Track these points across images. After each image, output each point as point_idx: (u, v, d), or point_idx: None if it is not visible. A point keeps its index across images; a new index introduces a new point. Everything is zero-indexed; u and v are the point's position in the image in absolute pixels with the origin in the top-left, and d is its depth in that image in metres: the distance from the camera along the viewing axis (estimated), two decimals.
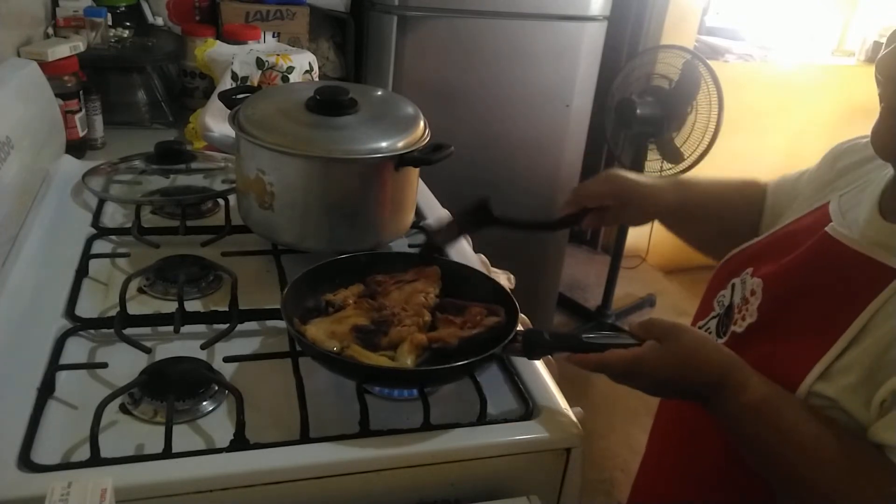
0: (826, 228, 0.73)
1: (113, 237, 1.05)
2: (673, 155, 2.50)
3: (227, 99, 1.06)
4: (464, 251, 1.11)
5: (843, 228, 0.72)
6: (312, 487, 0.67)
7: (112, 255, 1.00)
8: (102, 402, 0.67)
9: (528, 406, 0.78)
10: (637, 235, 2.95)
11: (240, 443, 0.68)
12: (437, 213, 1.22)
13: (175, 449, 0.65)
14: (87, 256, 0.97)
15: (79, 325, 0.83)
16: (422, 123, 1.01)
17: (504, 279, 1.17)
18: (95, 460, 0.64)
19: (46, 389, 0.72)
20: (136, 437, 0.68)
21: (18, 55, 1.27)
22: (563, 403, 0.79)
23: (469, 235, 1.05)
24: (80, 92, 1.34)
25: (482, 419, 0.74)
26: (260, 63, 1.44)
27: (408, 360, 0.74)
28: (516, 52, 2.08)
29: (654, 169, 2.59)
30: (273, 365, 0.80)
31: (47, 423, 0.69)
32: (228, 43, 1.55)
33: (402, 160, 0.95)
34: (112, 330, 0.81)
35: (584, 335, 0.74)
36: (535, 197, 2.29)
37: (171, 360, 0.78)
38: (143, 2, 1.71)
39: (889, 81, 0.64)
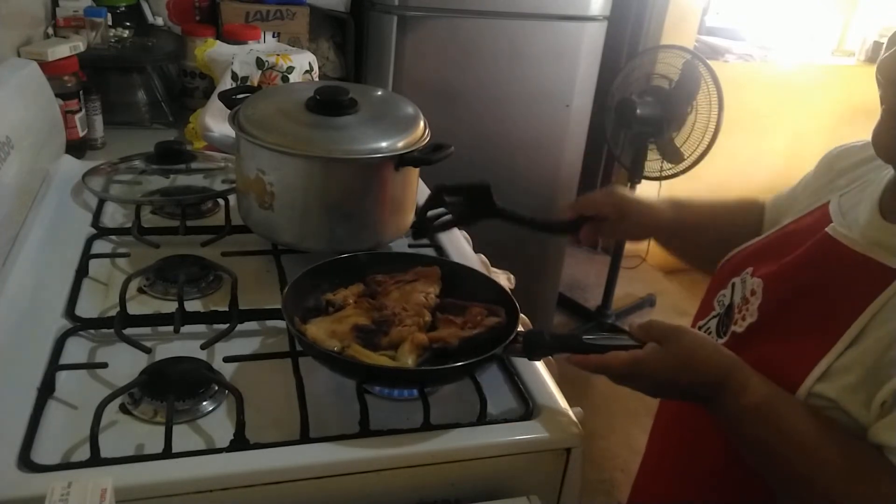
0: (827, 229, 0.73)
1: (113, 237, 1.05)
2: (673, 155, 2.50)
3: (227, 99, 1.06)
4: (464, 251, 1.11)
5: (844, 229, 0.72)
6: (312, 487, 0.67)
7: (112, 255, 1.00)
8: (102, 402, 0.67)
9: (528, 406, 0.78)
10: None
11: (240, 443, 0.68)
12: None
13: (175, 449, 0.65)
14: (87, 256, 0.97)
15: (79, 325, 0.83)
16: (422, 123, 1.01)
17: (504, 279, 1.17)
18: (95, 460, 0.64)
19: (46, 389, 0.72)
20: (136, 437, 0.68)
21: (18, 55, 1.27)
22: (563, 403, 0.79)
23: (468, 225, 1.05)
24: (80, 92, 1.34)
25: (482, 419, 0.74)
26: (260, 63, 1.44)
27: (409, 360, 0.74)
28: (516, 52, 2.08)
29: (654, 169, 2.59)
30: (273, 365, 0.80)
31: (47, 423, 0.69)
32: (228, 43, 1.55)
33: (402, 160, 0.95)
34: (112, 330, 0.81)
35: (584, 336, 0.75)
36: (535, 197, 2.29)
37: (171, 360, 0.78)
38: (143, 2, 1.71)
39: (890, 84, 0.64)
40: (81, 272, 0.94)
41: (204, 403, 0.73)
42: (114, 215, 1.12)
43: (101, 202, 1.13)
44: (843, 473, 0.62)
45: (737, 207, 0.97)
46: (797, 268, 0.74)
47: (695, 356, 0.69)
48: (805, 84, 3.39)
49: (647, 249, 3.21)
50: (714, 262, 0.90)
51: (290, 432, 0.70)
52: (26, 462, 0.63)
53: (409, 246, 1.10)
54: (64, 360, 0.77)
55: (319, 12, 1.92)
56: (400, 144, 0.95)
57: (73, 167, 1.24)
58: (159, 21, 1.75)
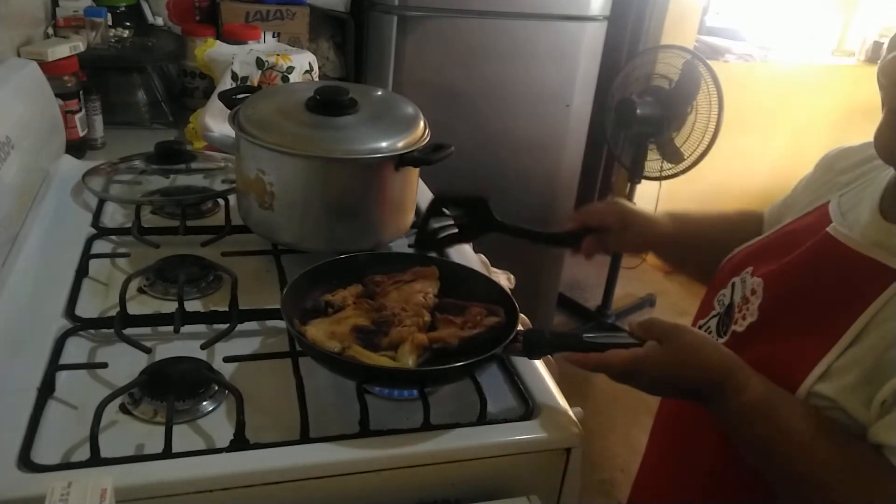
0: (827, 229, 0.73)
1: (113, 237, 1.05)
2: (673, 155, 2.50)
3: (227, 99, 1.06)
4: (464, 251, 1.11)
5: (844, 228, 0.72)
6: (312, 487, 0.67)
7: (112, 255, 1.00)
8: (102, 402, 0.67)
9: (528, 406, 0.78)
10: None
11: (240, 443, 0.68)
12: None
13: (175, 449, 0.65)
14: (87, 256, 0.97)
15: (79, 325, 0.83)
16: (422, 123, 1.01)
17: (504, 279, 1.17)
18: (95, 460, 0.64)
19: (46, 389, 0.72)
20: (136, 437, 0.68)
21: (18, 55, 1.27)
22: (563, 403, 0.79)
23: (470, 240, 1.05)
24: (80, 92, 1.34)
25: (482, 419, 0.74)
26: (260, 63, 1.44)
27: (409, 361, 0.74)
28: (516, 52, 2.08)
29: (654, 169, 2.59)
30: (273, 365, 0.80)
31: (47, 423, 0.69)
32: (228, 43, 1.55)
33: (402, 160, 0.95)
34: (112, 330, 0.81)
35: (584, 335, 0.75)
36: (535, 197, 2.29)
37: (171, 360, 0.78)
38: (143, 2, 1.71)
39: (892, 86, 0.64)
40: (81, 272, 0.94)
41: (204, 403, 0.73)
42: (114, 215, 1.12)
43: (101, 202, 1.13)
44: (843, 473, 0.62)
45: (736, 218, 0.97)
46: (798, 267, 0.75)
47: (695, 355, 0.69)
48: (805, 84, 3.39)
49: None
50: (709, 275, 0.90)
51: (290, 432, 0.70)
52: (26, 462, 0.63)
53: (410, 246, 1.09)
54: (64, 360, 0.77)
55: (319, 12, 1.92)
56: (400, 144, 0.95)
57: (73, 167, 1.24)
58: (159, 21, 1.75)
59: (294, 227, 0.97)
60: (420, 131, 0.99)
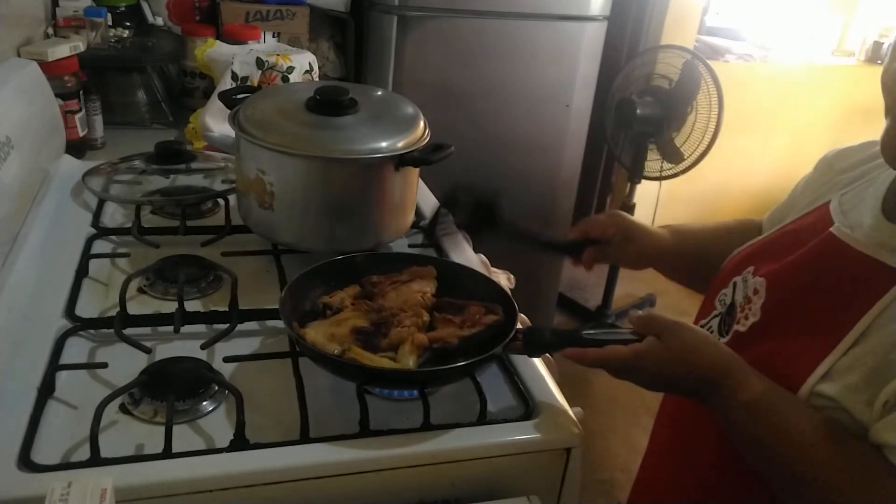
0: (831, 229, 0.73)
1: (113, 237, 1.05)
2: (673, 155, 2.50)
3: (227, 99, 1.06)
4: (464, 251, 1.11)
5: (847, 228, 0.72)
6: (312, 487, 0.67)
7: (112, 255, 1.00)
8: (102, 402, 0.67)
9: (527, 406, 0.78)
10: None
11: (240, 443, 0.68)
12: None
13: (175, 449, 0.65)
14: (87, 256, 0.97)
15: (79, 325, 0.83)
16: (422, 123, 1.01)
17: (504, 279, 1.17)
18: (95, 460, 0.64)
19: (46, 389, 0.72)
20: (136, 437, 0.68)
21: (18, 55, 1.27)
22: (563, 403, 0.79)
23: (471, 236, 1.05)
24: (80, 92, 1.34)
25: (482, 419, 0.74)
26: (260, 63, 1.44)
27: (409, 361, 0.74)
28: (516, 52, 2.08)
29: (654, 169, 2.59)
30: (273, 365, 0.80)
31: (47, 423, 0.69)
32: (228, 43, 1.55)
33: (402, 160, 0.95)
34: (112, 330, 0.81)
35: (584, 332, 0.74)
36: (535, 197, 2.29)
37: (171, 360, 0.78)
38: (143, 2, 1.71)
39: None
40: (81, 272, 0.94)
41: (204, 403, 0.73)
42: (114, 215, 1.12)
43: (101, 202, 1.13)
44: (842, 472, 0.62)
45: (736, 228, 0.97)
46: (801, 267, 0.74)
47: (693, 352, 0.69)
48: (805, 84, 3.40)
49: None
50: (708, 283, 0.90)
51: (290, 432, 0.70)
52: (26, 462, 0.63)
53: (410, 246, 1.10)
54: (64, 360, 0.77)
55: (319, 12, 1.92)
56: (400, 144, 0.95)
57: (73, 167, 1.24)
58: (159, 21, 1.75)
59: (294, 227, 0.97)
60: (420, 131, 0.99)
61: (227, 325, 0.84)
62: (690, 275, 1.01)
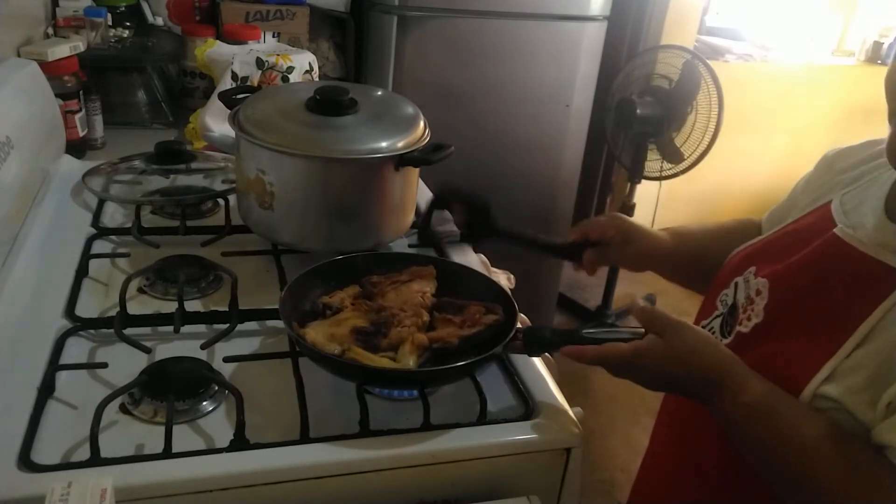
0: (835, 230, 0.73)
1: (113, 237, 1.05)
2: (673, 155, 2.50)
3: (227, 99, 1.06)
4: (464, 251, 1.11)
5: (850, 229, 0.72)
6: (312, 487, 0.67)
7: (112, 255, 1.00)
8: (102, 402, 0.67)
9: (527, 406, 0.78)
10: None
11: (240, 443, 0.68)
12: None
13: (175, 449, 0.65)
14: (87, 256, 0.97)
15: (79, 325, 0.83)
16: (422, 123, 1.01)
17: (504, 279, 1.17)
18: (95, 460, 0.64)
19: (46, 389, 0.72)
20: (136, 437, 0.68)
21: (18, 55, 1.27)
22: (563, 403, 0.79)
23: (470, 244, 1.05)
24: (80, 92, 1.34)
25: (482, 419, 0.74)
26: (260, 63, 1.44)
27: (409, 361, 0.74)
28: (516, 52, 2.08)
29: (654, 169, 2.59)
30: (273, 365, 0.80)
31: (47, 423, 0.69)
32: (228, 43, 1.55)
33: (402, 160, 0.95)
34: (112, 330, 0.81)
35: (584, 332, 0.74)
36: (534, 197, 2.29)
37: (171, 360, 0.78)
38: (143, 2, 1.72)
39: None
40: (81, 272, 0.94)
41: (204, 403, 0.73)
42: (114, 215, 1.12)
43: (101, 202, 1.13)
44: (844, 473, 0.62)
45: (735, 228, 0.97)
46: (804, 268, 0.74)
47: (695, 352, 0.69)
48: (805, 84, 3.40)
49: None
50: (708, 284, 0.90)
51: (290, 432, 0.70)
52: (26, 462, 0.63)
53: (410, 246, 1.10)
54: (64, 360, 0.77)
55: (319, 12, 1.92)
56: (400, 144, 0.95)
57: (73, 167, 1.24)
58: (159, 21, 1.75)
59: (294, 227, 0.97)
60: (420, 131, 0.99)
61: (227, 325, 0.83)
62: (690, 276, 1.01)
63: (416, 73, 2.00)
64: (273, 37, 1.74)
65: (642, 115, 2.41)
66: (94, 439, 0.64)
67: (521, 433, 0.74)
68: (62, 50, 1.32)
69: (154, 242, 1.01)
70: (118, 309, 0.84)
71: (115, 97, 1.52)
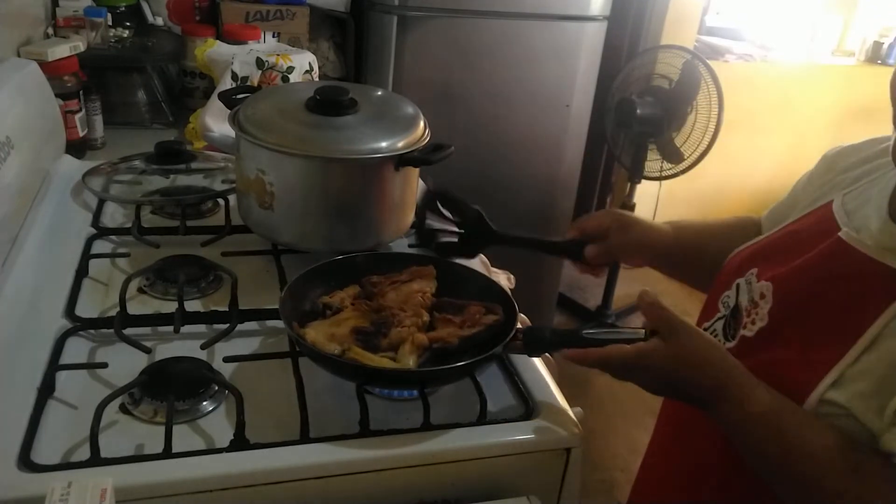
0: (840, 234, 0.72)
1: (113, 237, 1.05)
2: (673, 155, 2.50)
3: (227, 99, 1.06)
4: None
5: (853, 231, 0.71)
6: (312, 487, 0.67)
7: (112, 255, 1.00)
8: (102, 402, 0.67)
9: (527, 406, 0.78)
10: None
11: (240, 443, 0.68)
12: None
13: (175, 449, 0.65)
14: (87, 256, 0.97)
15: (79, 325, 0.83)
16: (422, 123, 1.01)
17: (504, 279, 1.17)
18: (95, 460, 0.64)
19: (46, 389, 0.72)
20: (136, 437, 0.68)
21: (18, 55, 1.27)
22: (563, 403, 0.79)
23: (471, 256, 1.04)
24: (80, 92, 1.34)
25: (482, 419, 0.74)
26: (260, 63, 1.44)
27: (409, 361, 0.74)
28: (516, 52, 2.08)
29: (654, 169, 2.59)
30: (273, 365, 0.80)
31: (47, 423, 0.69)
32: (228, 43, 1.55)
33: (402, 160, 0.95)
34: (112, 330, 0.81)
35: (584, 332, 0.74)
36: (534, 197, 2.29)
37: (171, 360, 0.78)
38: (143, 2, 1.72)
39: None
40: (81, 272, 0.94)
41: (204, 403, 0.73)
42: (114, 215, 1.12)
43: (101, 202, 1.13)
44: (852, 482, 0.61)
45: (735, 224, 0.97)
46: (808, 272, 0.73)
47: (701, 357, 0.68)
48: (805, 84, 3.40)
49: None
50: (709, 282, 0.89)
51: (290, 432, 0.70)
52: (26, 462, 0.63)
53: (410, 246, 1.10)
54: (64, 360, 0.77)
55: (319, 12, 1.92)
56: (400, 144, 0.95)
57: (73, 167, 1.24)
58: (159, 21, 1.75)
59: (294, 227, 0.97)
60: (420, 131, 0.99)
61: (227, 325, 0.83)
62: (689, 271, 1.00)
63: (416, 73, 2.00)
64: (273, 37, 1.74)
65: (642, 115, 2.41)
66: (94, 439, 0.64)
67: (521, 433, 0.74)
68: (62, 50, 1.32)
69: (154, 242, 1.01)
70: (118, 309, 0.84)
71: (115, 97, 1.52)
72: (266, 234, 1.01)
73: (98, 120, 1.41)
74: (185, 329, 0.83)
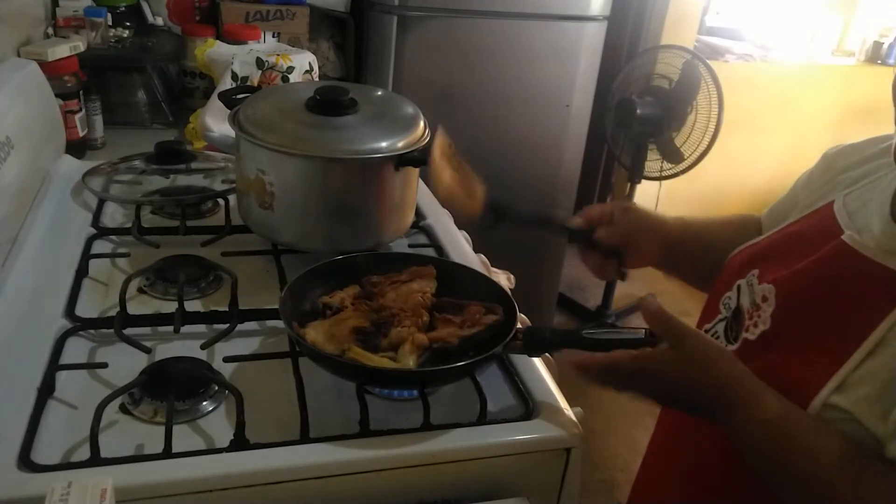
0: (843, 237, 0.71)
1: (113, 237, 1.05)
2: (673, 155, 2.50)
3: (227, 99, 1.06)
4: (463, 251, 1.11)
5: (855, 232, 0.71)
6: (312, 487, 0.67)
7: (112, 255, 1.00)
8: (102, 402, 0.67)
9: (527, 406, 0.78)
10: None
11: (240, 443, 0.67)
12: (437, 213, 1.22)
13: (175, 449, 0.65)
14: (87, 256, 0.97)
15: (79, 325, 0.83)
16: (422, 123, 1.01)
17: (504, 279, 1.17)
18: (95, 460, 0.64)
19: (46, 389, 0.72)
20: (136, 437, 0.68)
21: (18, 55, 1.27)
22: (563, 403, 0.79)
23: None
24: (80, 92, 1.34)
25: (482, 419, 0.74)
26: (260, 63, 1.44)
27: (409, 361, 0.74)
28: (516, 52, 2.08)
29: (654, 169, 2.59)
30: (273, 365, 0.80)
31: (47, 423, 0.69)
32: (228, 43, 1.55)
33: (402, 160, 0.95)
34: (112, 330, 0.81)
35: (584, 332, 0.74)
36: (534, 197, 2.29)
37: (171, 360, 0.78)
38: (143, 2, 1.72)
39: None
40: (81, 272, 0.94)
41: (204, 403, 0.73)
42: (114, 215, 1.12)
43: (101, 202, 1.13)
44: (863, 489, 0.61)
45: (736, 221, 0.96)
46: (812, 276, 0.73)
47: (708, 361, 0.67)
48: (805, 84, 3.40)
49: None
50: (709, 280, 0.89)
51: (290, 432, 0.70)
52: (26, 462, 0.63)
53: (410, 246, 1.10)
54: (64, 360, 0.77)
55: (319, 12, 1.92)
56: (400, 144, 0.95)
57: (73, 167, 1.24)
58: (159, 21, 1.75)
59: (294, 227, 0.97)
60: (420, 131, 0.99)
61: (227, 325, 0.83)
62: (691, 266, 0.98)
63: (416, 73, 2.00)
64: (273, 37, 1.74)
65: (642, 115, 2.41)
66: (94, 439, 0.64)
67: (521, 433, 0.74)
68: (62, 50, 1.32)
69: (154, 242, 1.01)
70: (118, 309, 0.84)
71: (115, 97, 1.52)
72: (266, 234, 1.01)
73: (98, 120, 1.41)
74: (185, 329, 0.83)
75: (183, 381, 0.74)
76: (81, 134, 1.36)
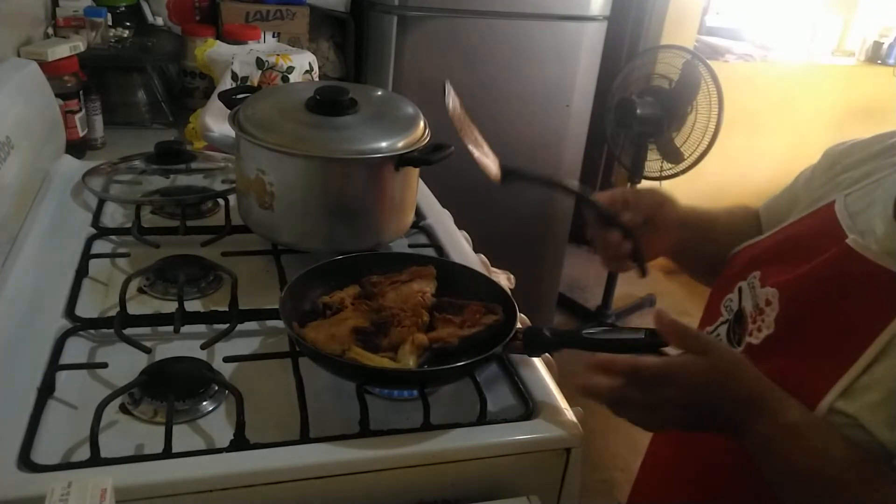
0: (847, 241, 0.70)
1: (113, 237, 1.05)
2: (673, 155, 2.50)
3: (227, 99, 1.06)
4: (463, 251, 1.11)
5: (857, 235, 0.70)
6: (312, 487, 0.67)
7: (112, 255, 1.00)
8: (102, 402, 0.67)
9: (528, 406, 0.78)
10: None
11: (240, 443, 0.68)
12: (437, 213, 1.22)
13: (175, 449, 0.65)
14: (87, 256, 0.97)
15: (79, 325, 0.83)
16: (422, 123, 1.01)
17: (504, 279, 1.17)
18: (95, 460, 0.64)
19: (46, 389, 0.72)
20: (136, 437, 0.68)
21: (18, 55, 1.27)
22: (563, 403, 0.79)
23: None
24: (80, 92, 1.34)
25: (482, 419, 0.74)
26: (260, 63, 1.44)
27: (409, 361, 0.74)
28: (516, 52, 2.08)
29: (654, 169, 2.59)
30: (273, 365, 0.80)
31: (47, 423, 0.69)
32: (228, 43, 1.55)
33: (402, 160, 0.95)
34: (112, 330, 0.81)
35: (584, 332, 0.74)
36: (534, 196, 2.29)
37: (171, 360, 0.78)
38: (143, 2, 1.72)
39: None
40: (81, 272, 0.94)
41: (204, 403, 0.73)
42: (114, 215, 1.12)
43: (101, 202, 1.13)
44: (872, 495, 0.60)
45: (738, 212, 0.96)
46: (816, 279, 0.72)
47: (736, 368, 0.66)
48: (805, 84, 3.39)
49: None
50: (711, 273, 0.89)
51: (290, 432, 0.70)
52: (26, 462, 0.63)
53: (410, 246, 1.10)
54: (64, 360, 0.77)
55: (319, 12, 1.92)
56: (400, 144, 0.95)
57: (73, 167, 1.24)
58: (159, 21, 1.75)
59: (294, 227, 0.97)
60: (420, 131, 0.99)
61: (227, 325, 0.83)
62: (694, 255, 0.96)
63: (416, 73, 2.00)
64: (273, 37, 1.74)
65: (642, 115, 2.41)
66: (94, 439, 0.64)
67: (521, 433, 0.74)
68: (62, 50, 1.32)
69: (154, 242, 1.01)
70: (118, 309, 0.84)
71: (115, 97, 1.52)
72: (266, 234, 1.01)
73: (98, 120, 1.41)
74: (185, 329, 0.83)
75: (183, 381, 0.74)
76: (81, 134, 1.36)
